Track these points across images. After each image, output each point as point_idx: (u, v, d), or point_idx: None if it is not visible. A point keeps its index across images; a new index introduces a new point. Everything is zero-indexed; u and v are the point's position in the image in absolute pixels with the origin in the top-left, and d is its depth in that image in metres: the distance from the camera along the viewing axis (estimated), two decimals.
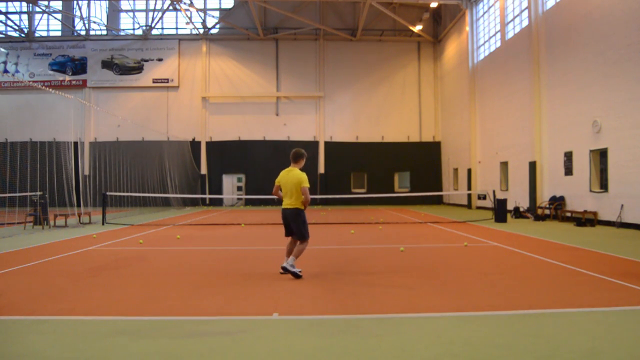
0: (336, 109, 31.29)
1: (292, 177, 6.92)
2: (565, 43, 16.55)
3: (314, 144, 30.83)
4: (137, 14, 31.90)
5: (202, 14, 30.76)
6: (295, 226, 6.74)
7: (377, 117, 31.26)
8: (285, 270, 6.57)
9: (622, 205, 13.65)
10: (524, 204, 19.02)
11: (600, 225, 14.49)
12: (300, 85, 31.19)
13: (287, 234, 7.02)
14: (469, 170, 25.62)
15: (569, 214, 16.17)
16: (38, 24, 31.87)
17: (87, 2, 31.19)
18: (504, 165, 21.80)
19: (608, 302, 5.21)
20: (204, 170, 30.81)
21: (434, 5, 27.31)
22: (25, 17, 31.64)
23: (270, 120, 31.10)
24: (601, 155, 14.86)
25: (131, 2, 32.00)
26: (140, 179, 24.99)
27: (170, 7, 30.29)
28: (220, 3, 31.77)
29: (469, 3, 25.33)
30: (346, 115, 31.42)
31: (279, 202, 6.97)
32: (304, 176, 6.88)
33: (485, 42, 24.09)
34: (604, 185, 14.73)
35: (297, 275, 6.51)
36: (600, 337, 4.06)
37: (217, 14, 31.48)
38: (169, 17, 31.83)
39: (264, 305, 5.21)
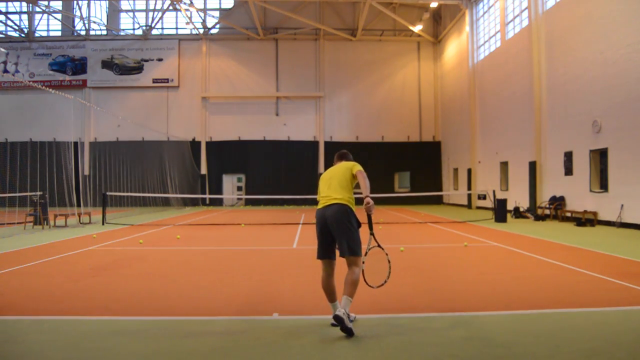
0: (336, 109, 31.30)
1: (340, 167, 4.61)
2: (565, 43, 16.55)
3: (314, 144, 30.85)
4: (137, 14, 31.88)
5: (202, 14, 30.76)
6: (343, 232, 4.28)
7: (377, 117, 31.25)
8: (339, 321, 4.04)
9: (622, 205, 13.65)
10: (524, 204, 19.01)
11: (600, 225, 14.49)
12: (300, 85, 31.18)
13: (321, 254, 4.44)
14: (469, 170, 25.62)
15: (569, 214, 16.17)
16: (38, 24, 31.86)
17: (87, 2, 31.18)
18: (504, 165, 21.79)
19: (608, 302, 5.21)
20: (204, 170, 30.80)
21: (434, 5, 27.31)
22: (25, 17, 31.62)
23: (270, 120, 31.10)
24: (601, 155, 14.85)
25: (131, 2, 31.98)
26: (140, 179, 25.00)
27: (170, 7, 30.27)
28: (220, 3, 31.76)
29: (469, 3, 25.32)
30: (346, 115, 31.43)
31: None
32: (355, 163, 4.65)
33: (485, 42, 24.08)
34: (604, 185, 14.72)
35: (351, 333, 4.09)
36: (600, 337, 4.06)
37: (217, 14, 31.47)
38: (169, 17, 31.83)
39: (264, 305, 5.21)
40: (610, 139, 14.20)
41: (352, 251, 4.27)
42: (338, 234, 4.31)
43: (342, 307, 4.10)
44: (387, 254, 4.43)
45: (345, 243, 4.27)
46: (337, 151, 4.98)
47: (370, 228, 4.43)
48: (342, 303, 4.15)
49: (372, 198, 4.25)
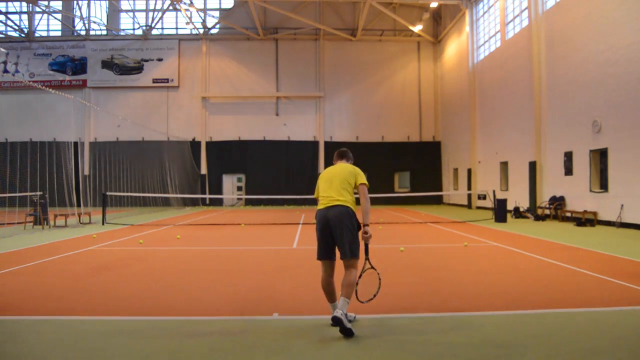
0: (336, 109, 31.30)
1: (343, 169, 4.58)
2: (565, 43, 16.55)
3: (314, 144, 30.84)
4: (137, 14, 31.88)
5: (202, 14, 30.75)
6: (346, 234, 4.27)
7: (377, 117, 31.25)
8: (337, 322, 4.04)
9: (622, 205, 13.65)
10: (524, 204, 19.01)
11: (600, 225, 14.49)
12: (300, 85, 31.18)
13: (322, 254, 4.41)
14: (469, 170, 25.61)
15: (569, 214, 16.17)
16: (38, 24, 31.85)
17: (87, 2, 31.18)
18: (504, 165, 21.79)
19: (608, 302, 5.21)
20: (204, 170, 30.80)
21: (434, 5, 27.30)
22: (25, 17, 31.61)
23: (270, 120, 31.10)
24: (601, 155, 14.85)
25: (131, 2, 31.98)
26: (140, 179, 24.99)
27: (170, 7, 30.28)
28: (220, 3, 31.76)
29: (469, 3, 25.32)
30: (346, 115, 31.43)
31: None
32: (357, 168, 4.63)
33: (485, 42, 24.08)
34: (604, 185, 14.72)
35: (351, 333, 4.05)
36: (600, 337, 4.06)
37: (217, 14, 31.46)
38: (169, 17, 31.82)
39: (264, 305, 5.21)
40: (610, 139, 14.20)
41: (353, 253, 4.29)
42: (340, 236, 4.30)
43: (339, 309, 4.09)
44: (378, 274, 4.48)
45: (348, 245, 4.28)
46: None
47: (366, 254, 4.46)
48: (340, 304, 4.13)
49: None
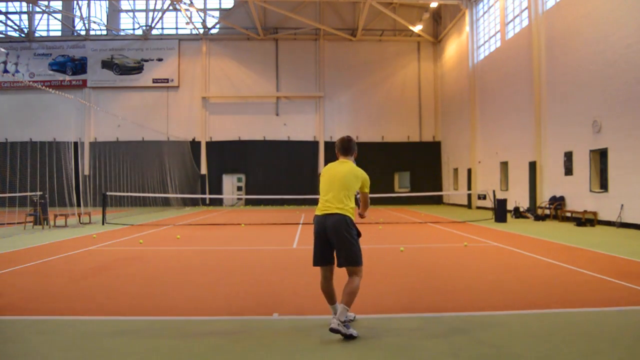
0: (336, 109, 31.30)
1: (348, 172, 4.35)
2: (565, 43, 16.55)
3: (314, 144, 30.85)
4: (137, 14, 31.88)
5: (202, 14, 30.75)
6: (343, 244, 4.17)
7: (377, 117, 31.25)
8: (336, 332, 3.95)
9: (622, 205, 13.65)
10: (524, 204, 19.01)
11: (600, 225, 14.49)
12: (300, 85, 31.18)
13: (318, 261, 4.33)
14: (469, 170, 25.61)
15: (569, 214, 16.17)
16: (38, 24, 31.85)
17: (87, 2, 31.18)
18: (504, 165, 21.79)
19: (608, 302, 5.21)
20: (204, 170, 30.80)
21: (434, 5, 27.30)
22: (25, 17, 31.61)
23: (270, 120, 31.10)
24: (601, 155, 14.85)
25: (131, 2, 31.98)
26: (140, 179, 25.00)
27: (170, 7, 30.27)
28: (220, 3, 31.76)
29: (469, 3, 25.32)
30: (346, 115, 31.44)
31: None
32: (364, 174, 4.42)
33: (485, 42, 24.08)
34: (604, 185, 14.72)
35: (352, 338, 3.99)
36: (600, 337, 4.06)
37: (217, 14, 31.46)
38: (169, 17, 31.82)
39: (264, 305, 5.21)
40: (610, 139, 14.20)
41: (350, 262, 4.19)
42: (337, 246, 4.21)
43: (337, 318, 3.96)
44: None
45: (344, 255, 4.18)
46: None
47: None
48: (338, 312, 3.99)
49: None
